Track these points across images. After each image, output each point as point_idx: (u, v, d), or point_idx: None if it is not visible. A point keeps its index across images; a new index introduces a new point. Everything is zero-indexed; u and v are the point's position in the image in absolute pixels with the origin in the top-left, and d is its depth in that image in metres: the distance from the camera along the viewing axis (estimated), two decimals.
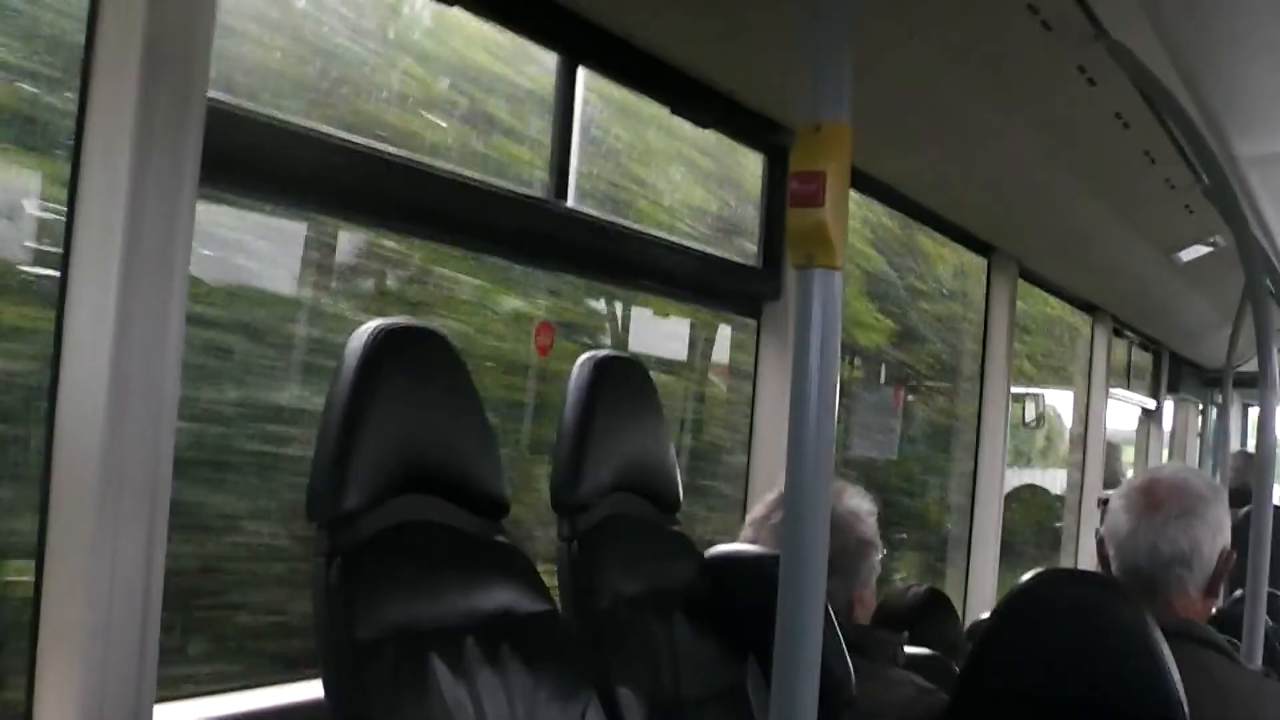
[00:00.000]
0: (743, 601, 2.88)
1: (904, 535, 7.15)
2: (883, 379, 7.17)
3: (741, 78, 3.48)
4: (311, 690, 2.42)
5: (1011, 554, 8.56)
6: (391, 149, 2.75)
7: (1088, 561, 6.99)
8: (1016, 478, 9.98)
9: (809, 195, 1.52)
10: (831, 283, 1.54)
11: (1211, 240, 5.99)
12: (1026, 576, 2.61)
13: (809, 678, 1.55)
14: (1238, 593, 3.51)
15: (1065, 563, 7.80)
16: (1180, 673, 2.44)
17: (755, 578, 2.88)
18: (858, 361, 6.91)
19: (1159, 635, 2.43)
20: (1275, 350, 3.63)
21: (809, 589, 1.55)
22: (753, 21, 3.07)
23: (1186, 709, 2.40)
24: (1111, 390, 7.79)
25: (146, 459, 2.06)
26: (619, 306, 4.39)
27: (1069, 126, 4.34)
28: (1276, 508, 7.36)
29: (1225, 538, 2.87)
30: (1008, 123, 4.22)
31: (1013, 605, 2.59)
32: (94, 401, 2.01)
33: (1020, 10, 3.31)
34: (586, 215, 3.22)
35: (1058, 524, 8.33)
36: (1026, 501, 9.38)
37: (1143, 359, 9.24)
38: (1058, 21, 3.41)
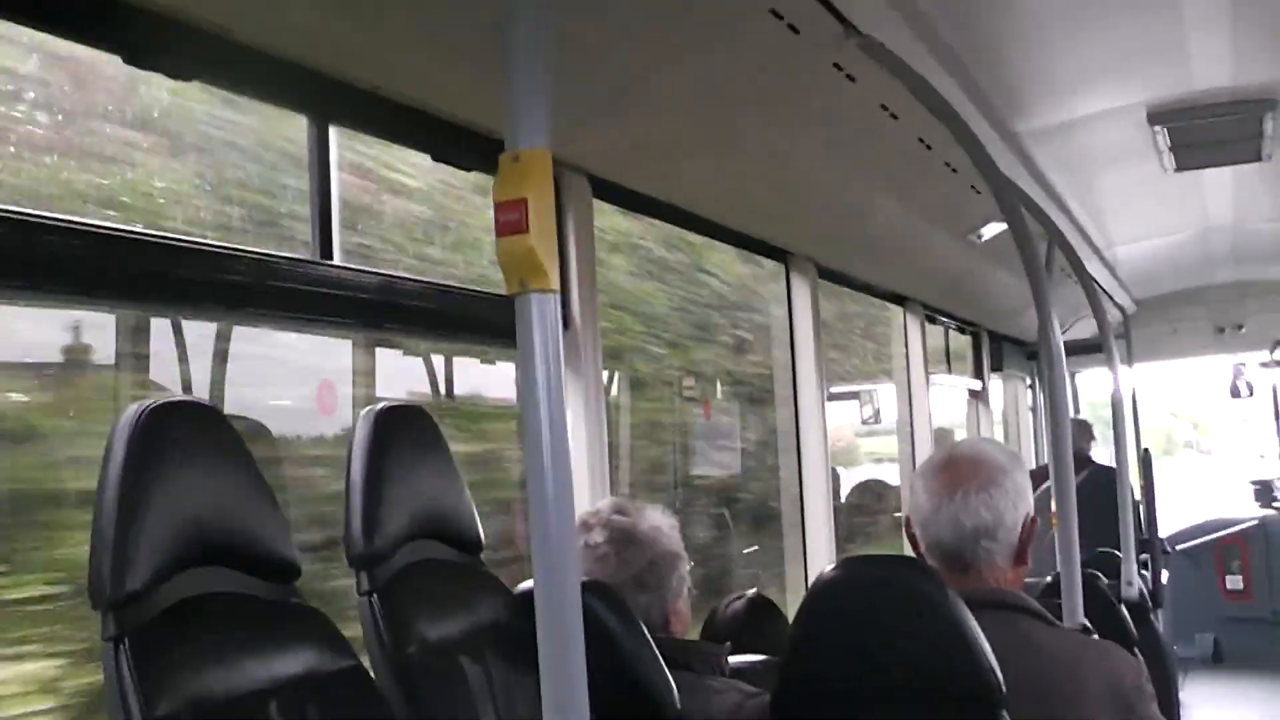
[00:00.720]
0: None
1: (755, 546, 7.20)
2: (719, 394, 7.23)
3: (493, 115, 3.47)
4: None
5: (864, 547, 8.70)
6: (163, 233, 2.73)
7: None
8: (868, 474, 10.14)
9: (514, 224, 1.54)
10: (548, 306, 1.56)
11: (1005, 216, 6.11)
12: (827, 567, 2.65)
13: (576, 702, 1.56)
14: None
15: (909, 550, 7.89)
16: (999, 641, 2.49)
17: None
18: (690, 382, 6.97)
19: (962, 606, 2.48)
20: (1054, 316, 3.71)
21: (566, 617, 1.57)
22: (490, 60, 3.07)
23: (1000, 675, 2.46)
24: (933, 376, 7.89)
25: None
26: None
27: (839, 124, 4.41)
28: (1104, 468, 7.55)
29: (1028, 505, 2.93)
30: (780, 128, 4.28)
31: (818, 596, 2.63)
32: None
33: (764, 17, 3.37)
34: (354, 269, 3.20)
35: (898, 514, 8.45)
36: (874, 494, 9.50)
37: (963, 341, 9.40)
38: (805, 24, 3.48)
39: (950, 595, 2.49)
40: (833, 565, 2.67)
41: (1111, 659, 2.81)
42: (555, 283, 1.56)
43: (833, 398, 6.61)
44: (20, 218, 2.38)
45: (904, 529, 3.01)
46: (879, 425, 9.52)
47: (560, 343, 1.57)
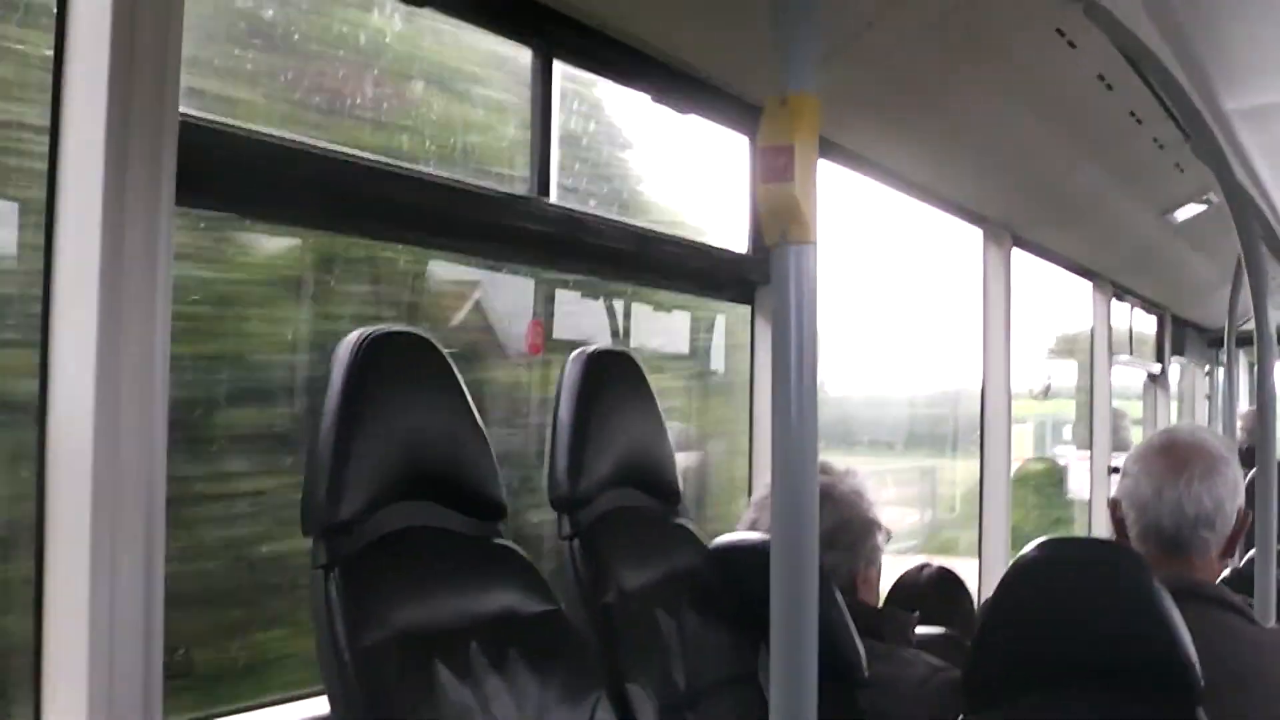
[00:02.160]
0: (749, 588, 2.86)
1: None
2: None
3: (719, 61, 3.45)
4: (317, 706, 2.40)
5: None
6: (370, 156, 2.74)
7: (1102, 530, 6.96)
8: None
9: (778, 170, 1.49)
10: (806, 258, 1.51)
11: (1205, 198, 5.98)
12: (1029, 546, 2.59)
13: (808, 659, 1.52)
14: (1251, 552, 3.49)
15: (1079, 532, 7.78)
16: (1201, 633, 2.42)
17: (760, 563, 2.87)
18: None
19: (1166, 596, 2.41)
20: (1270, 307, 3.60)
21: (803, 568, 1.53)
22: (725, 3, 3.05)
23: (1199, 669, 2.39)
24: (1115, 356, 7.76)
25: (139, 486, 2.04)
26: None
27: (1052, 91, 4.33)
28: None
29: (1242, 497, 2.85)
30: (991, 92, 4.21)
31: (1018, 574, 2.57)
32: (82, 429, 1.99)
33: None
34: (570, 210, 3.20)
35: (1069, 495, 8.33)
36: (1041, 473, 9.37)
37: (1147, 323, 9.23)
38: None
39: (1155, 583, 2.42)
40: (1036, 544, 2.61)
41: None
42: (815, 234, 1.52)
43: None
44: (233, 131, 2.41)
45: (1110, 512, 2.94)
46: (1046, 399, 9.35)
47: (817, 298, 1.53)
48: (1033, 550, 2.58)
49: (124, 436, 2.02)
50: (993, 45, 3.81)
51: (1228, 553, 2.84)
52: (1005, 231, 5.64)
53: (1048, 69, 4.08)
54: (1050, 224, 6.12)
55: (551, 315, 3.92)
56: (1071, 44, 3.81)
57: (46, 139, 2.04)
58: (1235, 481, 2.81)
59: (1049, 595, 2.51)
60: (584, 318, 4.17)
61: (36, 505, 2.02)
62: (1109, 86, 4.26)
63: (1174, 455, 2.82)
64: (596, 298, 4.22)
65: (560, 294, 3.95)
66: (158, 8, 2.07)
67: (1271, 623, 3.26)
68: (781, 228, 1.51)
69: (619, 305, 4.28)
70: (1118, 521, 2.89)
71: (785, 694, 1.51)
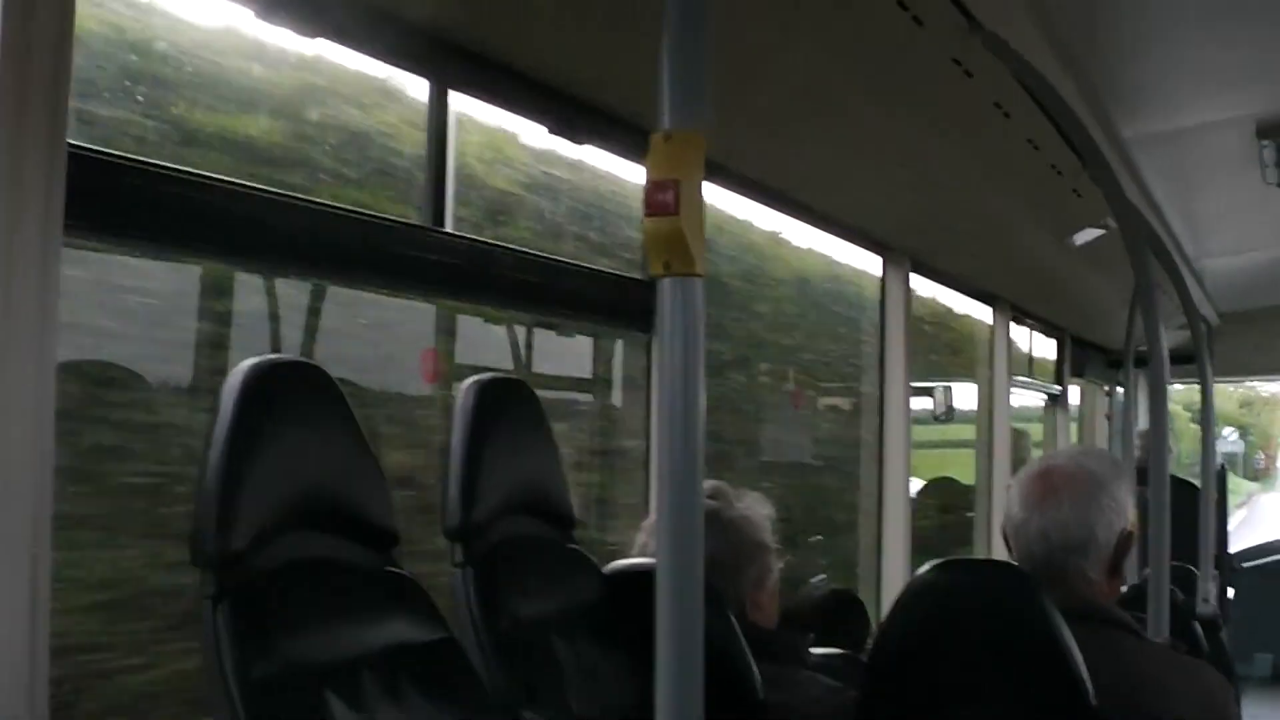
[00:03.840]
0: (643, 615, 2.88)
1: (820, 538, 7.16)
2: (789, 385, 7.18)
3: (615, 93, 3.46)
4: None
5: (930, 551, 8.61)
6: (264, 186, 2.73)
7: (998, 550, 7.04)
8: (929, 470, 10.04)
9: (663, 204, 1.51)
10: (692, 290, 1.54)
11: (1104, 223, 6.06)
12: (923, 568, 2.62)
13: (694, 683, 1.55)
14: (1148, 569, 3.54)
15: (978, 553, 7.86)
16: (1088, 653, 2.46)
17: (652, 590, 2.88)
18: (764, 367, 6.92)
19: (1057, 615, 2.45)
20: (1163, 329, 3.65)
21: (688, 592, 1.55)
22: (622, 35, 3.07)
23: (1090, 687, 2.43)
24: (1015, 378, 7.85)
25: (23, 525, 2.03)
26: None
27: (950, 119, 4.38)
28: (1182, 481, 7.47)
29: (1125, 519, 2.88)
30: (890, 119, 4.25)
31: (912, 596, 2.60)
32: None
33: (891, 7, 3.34)
34: (467, 239, 3.20)
35: (970, 514, 8.39)
36: (943, 492, 9.41)
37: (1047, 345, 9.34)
38: (930, 16, 3.44)
39: (1046, 603, 2.46)
40: (930, 566, 2.64)
41: (1202, 680, 2.78)
42: (701, 267, 1.54)
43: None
44: (128, 163, 2.40)
45: (1003, 535, 2.98)
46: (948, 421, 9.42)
47: (702, 330, 1.54)
48: (927, 571, 2.61)
49: (11, 469, 2.00)
50: (889, 74, 3.85)
51: (1115, 572, 2.88)
52: (905, 257, 5.70)
53: (945, 98, 4.13)
54: (950, 249, 6.18)
55: (454, 343, 3.92)
56: (968, 73, 3.86)
57: None
58: (1113, 505, 2.84)
59: (943, 616, 2.55)
60: (485, 346, 4.17)
61: None
62: (1006, 115, 4.31)
63: (1047, 482, 2.85)
64: (500, 325, 4.22)
65: (462, 320, 3.95)
66: (48, 37, 2.06)
67: (1163, 635, 3.31)
68: (665, 260, 1.53)
69: (521, 333, 4.29)
70: (1007, 544, 2.93)
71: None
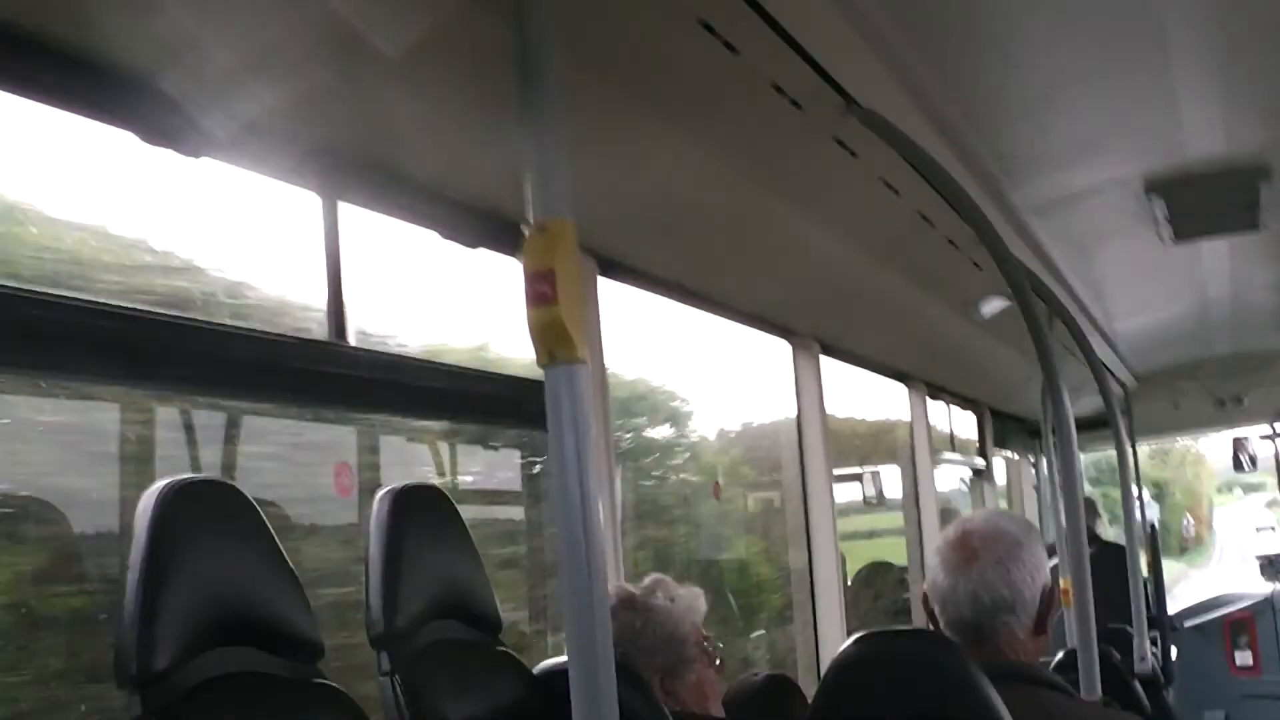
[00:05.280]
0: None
1: (762, 629, 7.16)
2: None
3: (496, 192, 3.46)
4: None
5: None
6: (162, 310, 2.72)
7: (921, 622, 7.02)
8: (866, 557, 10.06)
9: (543, 295, 1.54)
10: (578, 377, 1.55)
11: (1005, 293, 6.12)
12: (845, 643, 2.63)
13: None
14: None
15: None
16: (1019, 713, 2.46)
17: None
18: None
19: (982, 678, 2.45)
20: (1068, 397, 3.67)
21: (598, 686, 1.56)
22: (502, 137, 3.08)
23: None
24: (938, 455, 7.88)
25: None
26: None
27: (839, 200, 4.41)
28: (1112, 545, 7.52)
29: (1046, 577, 2.90)
30: (782, 205, 4.27)
31: (839, 671, 2.60)
32: None
33: (766, 92, 3.37)
34: (368, 351, 3.19)
35: (906, 595, 8.41)
36: (879, 578, 9.42)
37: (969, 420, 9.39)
38: (806, 99, 3.48)
39: (971, 668, 2.46)
40: (852, 640, 2.64)
41: None
42: (585, 354, 1.55)
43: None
44: (27, 295, 2.39)
45: (923, 604, 2.98)
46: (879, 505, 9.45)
47: (590, 415, 1.56)
48: (849, 647, 2.61)
49: None
50: (774, 160, 3.88)
51: (1040, 630, 2.89)
52: (813, 340, 5.73)
53: (833, 178, 4.16)
54: (856, 330, 6.20)
55: (376, 458, 3.91)
56: (853, 153, 3.90)
57: None
58: (1035, 563, 2.86)
59: (869, 689, 2.55)
60: (407, 462, 4.17)
61: None
62: (895, 191, 4.35)
63: (966, 546, 2.87)
64: (421, 440, 4.22)
65: (385, 438, 3.95)
66: None
67: (1096, 694, 3.33)
68: (550, 350, 1.55)
69: (444, 445, 4.28)
70: (929, 613, 2.93)
71: None
